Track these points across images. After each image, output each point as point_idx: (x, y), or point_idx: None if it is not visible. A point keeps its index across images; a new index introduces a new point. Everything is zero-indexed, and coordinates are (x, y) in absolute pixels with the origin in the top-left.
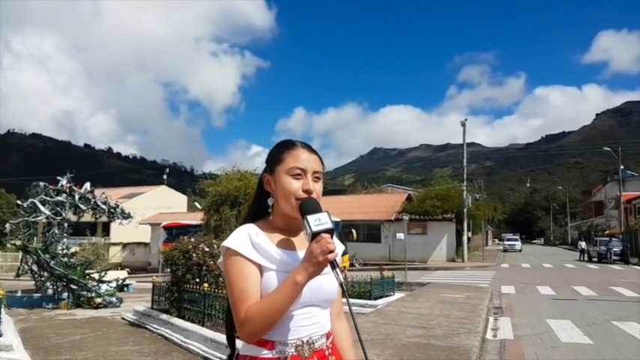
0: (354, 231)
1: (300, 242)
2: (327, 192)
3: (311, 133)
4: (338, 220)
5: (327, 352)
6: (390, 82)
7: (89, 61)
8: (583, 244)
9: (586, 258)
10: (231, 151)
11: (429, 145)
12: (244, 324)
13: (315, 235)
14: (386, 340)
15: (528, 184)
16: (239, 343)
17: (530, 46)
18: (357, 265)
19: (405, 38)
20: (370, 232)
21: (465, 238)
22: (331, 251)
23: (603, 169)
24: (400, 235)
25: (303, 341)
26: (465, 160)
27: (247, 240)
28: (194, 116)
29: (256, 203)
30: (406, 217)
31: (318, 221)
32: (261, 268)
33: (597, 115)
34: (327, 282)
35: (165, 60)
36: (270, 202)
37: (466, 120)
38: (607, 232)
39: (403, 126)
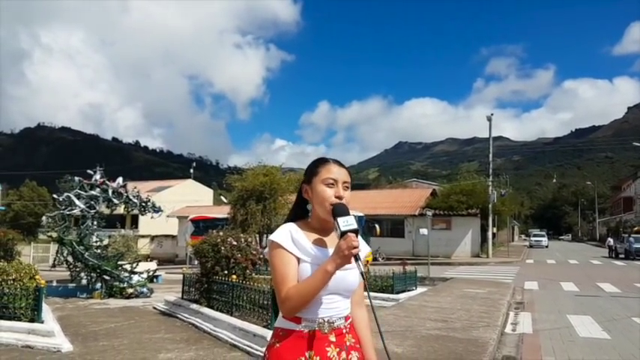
0: (377, 226)
1: (330, 241)
2: (351, 187)
3: (335, 126)
4: (361, 214)
5: (344, 331)
6: (415, 75)
7: (115, 55)
8: (612, 241)
9: (613, 255)
10: (256, 144)
11: (456, 138)
12: (285, 301)
13: (343, 234)
14: (406, 331)
15: (554, 180)
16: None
17: (560, 37)
18: (380, 259)
19: (431, 30)
20: (394, 227)
21: (489, 234)
22: (355, 247)
23: (635, 164)
24: (423, 231)
25: (324, 320)
26: (490, 155)
27: (289, 236)
28: (219, 109)
29: (297, 207)
30: (429, 213)
31: (346, 222)
32: (298, 260)
33: (629, 108)
34: (349, 275)
35: (189, 53)
36: (308, 207)
37: (492, 115)
38: (636, 228)
39: (429, 119)
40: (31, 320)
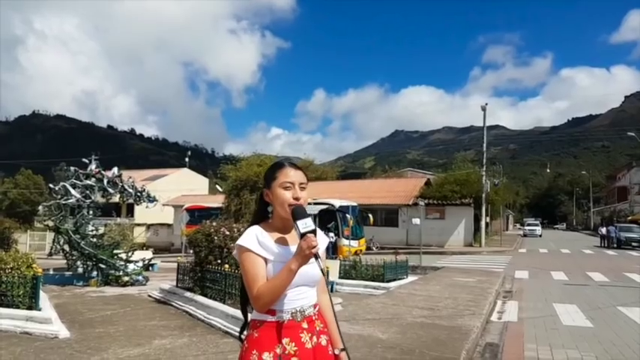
0: (370, 215)
1: (292, 238)
2: (346, 175)
3: (331, 115)
4: (354, 204)
5: (314, 318)
6: (411, 63)
7: (109, 42)
8: (604, 230)
9: (606, 244)
10: (251, 133)
11: (452, 127)
12: (257, 299)
13: (303, 235)
14: (392, 319)
15: (548, 170)
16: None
17: (558, 25)
18: (374, 248)
19: (427, 18)
20: (388, 216)
21: (482, 223)
22: (314, 247)
23: (631, 152)
24: (416, 221)
25: (296, 310)
26: (484, 145)
27: (255, 239)
28: (214, 96)
29: (259, 210)
30: (422, 203)
31: (304, 225)
32: (265, 260)
33: (626, 97)
34: (312, 269)
35: (184, 39)
36: (269, 209)
37: (486, 104)
38: (630, 217)
39: (425, 108)
40: (29, 308)
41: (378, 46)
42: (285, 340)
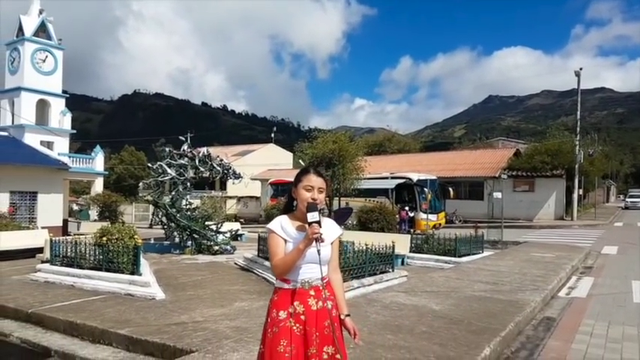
0: (451, 189)
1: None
2: (434, 146)
3: (417, 82)
4: (434, 177)
5: (320, 287)
6: (506, 23)
7: (200, 21)
8: None
9: None
10: (335, 105)
11: (552, 91)
12: (275, 268)
13: (309, 224)
14: (451, 292)
15: None
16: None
17: None
18: (456, 222)
19: None
20: (472, 189)
21: (575, 196)
22: (315, 233)
23: None
24: (497, 195)
25: (305, 280)
26: (578, 113)
27: (279, 225)
28: (298, 67)
29: (288, 204)
30: (504, 176)
31: (312, 216)
32: (285, 240)
33: None
34: (321, 250)
35: (269, 11)
36: (295, 204)
37: (581, 69)
38: None
39: (521, 71)
40: (132, 273)
41: (470, 7)
42: (296, 303)
